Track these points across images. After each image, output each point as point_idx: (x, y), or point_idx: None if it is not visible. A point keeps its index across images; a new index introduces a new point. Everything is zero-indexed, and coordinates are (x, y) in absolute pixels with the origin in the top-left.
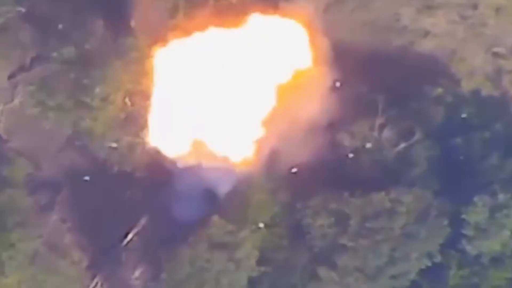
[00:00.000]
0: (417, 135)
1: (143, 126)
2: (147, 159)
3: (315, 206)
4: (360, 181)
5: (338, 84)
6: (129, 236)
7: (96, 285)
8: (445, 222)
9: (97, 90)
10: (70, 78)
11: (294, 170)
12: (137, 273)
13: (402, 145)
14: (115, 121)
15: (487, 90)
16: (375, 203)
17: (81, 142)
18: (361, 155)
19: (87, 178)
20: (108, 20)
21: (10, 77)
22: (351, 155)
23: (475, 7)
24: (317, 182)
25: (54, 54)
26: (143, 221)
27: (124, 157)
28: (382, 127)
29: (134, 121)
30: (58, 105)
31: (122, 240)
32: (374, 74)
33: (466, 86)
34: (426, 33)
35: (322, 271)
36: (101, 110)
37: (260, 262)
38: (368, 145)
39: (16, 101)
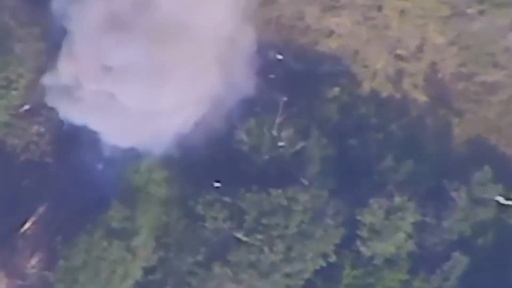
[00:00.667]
0: (313, 135)
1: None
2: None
3: (208, 197)
4: (257, 178)
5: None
6: (26, 224)
7: None
8: (341, 222)
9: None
10: None
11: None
12: (33, 262)
13: (300, 144)
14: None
15: (387, 92)
16: (271, 199)
17: None
18: (257, 153)
19: None
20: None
21: None
22: None
23: (379, 8)
24: (212, 174)
25: None
26: (41, 209)
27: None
28: (280, 125)
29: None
30: None
31: (19, 228)
32: (273, 72)
33: (367, 87)
34: (330, 33)
35: (216, 267)
36: (4, 97)
37: (156, 247)
38: (281, 143)
39: None
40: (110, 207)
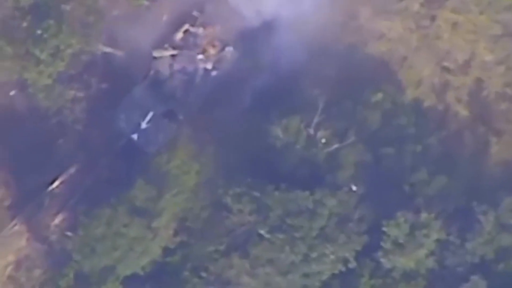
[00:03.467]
0: (351, 138)
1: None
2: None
3: (237, 188)
4: (287, 175)
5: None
6: (55, 183)
7: (14, 225)
8: (365, 230)
9: (49, 43)
10: (23, 26)
11: None
12: (57, 221)
13: (335, 146)
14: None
15: (429, 102)
16: (298, 201)
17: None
18: (291, 151)
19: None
20: None
21: None
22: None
23: (433, 18)
24: (245, 166)
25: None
26: (71, 170)
27: (64, 109)
28: (318, 125)
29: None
30: (12, 54)
31: (47, 186)
32: (320, 69)
33: (411, 95)
34: (381, 36)
35: (235, 258)
36: (50, 65)
37: (177, 230)
38: (323, 140)
39: None
40: (136, 185)
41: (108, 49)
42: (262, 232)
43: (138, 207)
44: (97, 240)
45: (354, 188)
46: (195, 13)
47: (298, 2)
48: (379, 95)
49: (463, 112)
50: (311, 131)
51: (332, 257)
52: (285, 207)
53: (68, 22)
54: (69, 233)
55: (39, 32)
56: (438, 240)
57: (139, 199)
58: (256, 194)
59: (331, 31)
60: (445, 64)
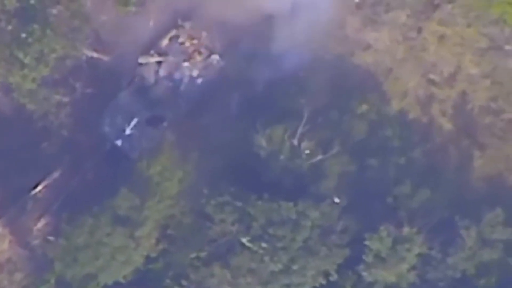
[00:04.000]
0: (335, 149)
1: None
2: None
3: (220, 198)
4: (270, 185)
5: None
6: (39, 187)
7: None
8: (347, 242)
9: (33, 47)
10: (8, 29)
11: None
12: (39, 225)
13: (319, 157)
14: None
15: (414, 114)
16: (281, 211)
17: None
18: (274, 161)
19: None
20: None
21: None
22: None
23: (419, 30)
24: (228, 175)
25: None
26: (55, 174)
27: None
28: (302, 135)
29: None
30: None
31: (31, 189)
32: (306, 78)
33: (396, 106)
34: (367, 47)
35: (216, 267)
36: (34, 70)
37: (159, 238)
38: (307, 151)
39: None
40: (119, 194)
41: (93, 54)
42: (244, 240)
43: (121, 216)
44: (79, 249)
45: (337, 200)
46: (182, 20)
47: (286, 11)
48: (364, 106)
49: (447, 125)
50: (295, 141)
51: (313, 271)
52: (268, 217)
53: (53, 26)
54: (51, 238)
55: (23, 35)
56: (420, 255)
57: (122, 208)
58: (239, 204)
59: (318, 40)
60: (431, 76)
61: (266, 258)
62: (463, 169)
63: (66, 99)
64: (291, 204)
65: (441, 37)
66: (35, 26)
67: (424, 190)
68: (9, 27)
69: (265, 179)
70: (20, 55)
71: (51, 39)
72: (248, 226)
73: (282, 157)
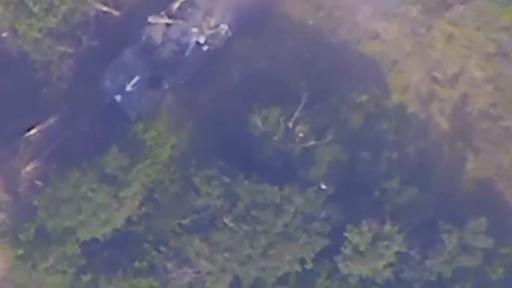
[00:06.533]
0: (329, 137)
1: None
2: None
3: (208, 170)
4: (259, 166)
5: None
6: (33, 131)
7: None
8: (327, 232)
9: None
10: None
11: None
12: (28, 168)
13: (312, 142)
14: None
15: (413, 109)
16: (266, 194)
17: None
18: (267, 142)
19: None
20: None
21: None
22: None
23: (429, 27)
24: (220, 149)
25: None
26: (51, 120)
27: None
28: (298, 119)
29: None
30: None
31: (25, 132)
32: (308, 60)
33: (395, 100)
34: (376, 36)
35: (196, 239)
36: (41, 20)
37: (144, 201)
38: (301, 134)
39: None
40: (110, 152)
41: (104, 8)
42: (226, 220)
43: (108, 175)
44: (63, 201)
45: (323, 186)
46: None
47: None
48: (364, 97)
49: (445, 124)
50: (290, 124)
51: (290, 257)
52: (253, 198)
53: None
54: (39, 182)
55: None
56: (398, 253)
57: (110, 166)
58: (226, 179)
59: (327, 24)
60: (435, 74)
61: (246, 241)
62: (454, 170)
63: (70, 51)
64: (276, 188)
65: (450, 37)
66: None
67: (412, 187)
68: None
69: (256, 158)
70: (30, 4)
71: None
72: (232, 204)
73: (275, 138)
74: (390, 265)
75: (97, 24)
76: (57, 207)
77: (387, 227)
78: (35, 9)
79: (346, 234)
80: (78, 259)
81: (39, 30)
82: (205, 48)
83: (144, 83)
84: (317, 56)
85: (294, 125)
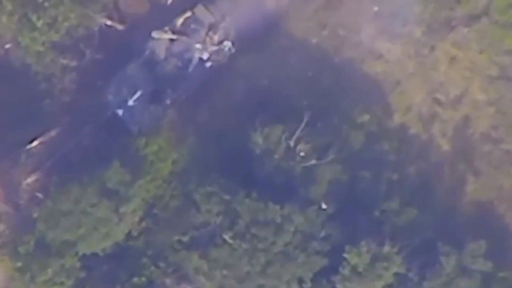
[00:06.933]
0: (330, 156)
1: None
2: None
3: (209, 187)
4: (261, 184)
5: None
6: (35, 142)
7: None
8: (326, 251)
9: (48, 12)
10: None
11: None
12: (29, 180)
13: (313, 161)
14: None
15: (414, 130)
16: (267, 212)
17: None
18: (268, 160)
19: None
20: None
21: None
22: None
23: (432, 48)
24: (221, 165)
25: None
26: (53, 132)
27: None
28: (299, 138)
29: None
30: (11, 11)
31: (27, 143)
32: (311, 78)
33: (397, 120)
34: (379, 56)
35: (194, 256)
36: (44, 34)
37: (144, 216)
38: (302, 153)
39: None
40: (111, 167)
41: (108, 22)
42: (226, 237)
43: (109, 189)
44: (63, 214)
45: (324, 206)
46: (201, 2)
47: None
48: (366, 116)
49: (446, 146)
50: (292, 143)
51: (288, 276)
52: (253, 216)
53: None
54: (39, 194)
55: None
56: (396, 274)
57: (111, 181)
58: (226, 197)
59: (330, 42)
60: (437, 95)
61: (245, 259)
62: (454, 192)
63: (73, 64)
64: (277, 206)
65: (453, 59)
66: None
67: (412, 208)
68: None
69: (256, 176)
70: (33, 18)
71: (67, 7)
72: (232, 221)
73: (276, 156)
74: (389, 286)
75: (101, 38)
76: (57, 220)
77: (386, 248)
78: (38, 24)
79: (345, 255)
80: (77, 272)
81: (42, 44)
82: (208, 64)
83: (147, 97)
84: (320, 75)
85: (296, 143)
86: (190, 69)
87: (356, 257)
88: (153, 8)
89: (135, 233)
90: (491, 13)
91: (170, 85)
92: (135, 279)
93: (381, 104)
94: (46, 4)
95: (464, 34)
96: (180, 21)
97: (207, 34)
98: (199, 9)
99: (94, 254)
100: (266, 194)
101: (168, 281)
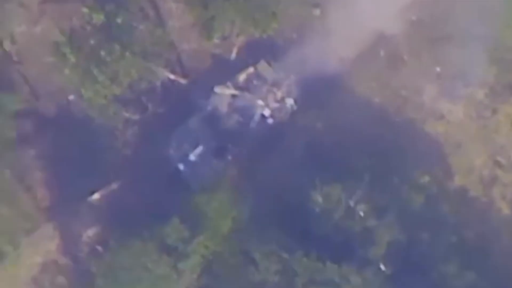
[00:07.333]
0: (389, 217)
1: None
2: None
3: (268, 246)
4: (318, 242)
5: None
6: (96, 195)
7: (47, 228)
8: None
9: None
10: (90, 43)
11: None
12: (90, 232)
13: (372, 222)
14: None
15: (475, 193)
16: (325, 272)
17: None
18: (327, 219)
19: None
20: None
21: (42, 1)
22: None
23: (495, 111)
24: (280, 223)
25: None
26: (114, 185)
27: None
28: (359, 198)
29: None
30: (74, 64)
31: (88, 196)
32: (372, 138)
33: (458, 182)
34: (441, 117)
35: None
36: (106, 88)
37: (202, 273)
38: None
39: (39, 28)
40: (171, 223)
41: (171, 76)
42: None
43: (169, 245)
44: (122, 269)
45: (382, 267)
46: (264, 59)
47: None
48: (426, 178)
49: (506, 210)
50: (351, 202)
51: None
52: (311, 275)
53: (134, 49)
54: (99, 248)
55: (102, 53)
56: None
57: (171, 237)
58: (285, 255)
59: (392, 102)
60: (498, 158)
61: None
62: None
63: (135, 117)
64: (335, 266)
65: None
66: (116, 46)
67: (471, 272)
68: (91, 41)
69: (315, 234)
70: (95, 71)
71: (129, 62)
72: (290, 280)
73: (335, 215)
74: None
75: (163, 92)
76: (116, 274)
77: None
78: (100, 78)
79: None
80: None
81: (105, 97)
82: (269, 120)
83: (208, 153)
84: (381, 135)
85: (355, 203)
86: (252, 125)
87: None
88: (216, 63)
89: None
90: None
91: (232, 140)
92: None
93: (442, 166)
94: (107, 58)
95: None
96: (242, 76)
97: (269, 90)
98: (262, 66)
99: None
100: (324, 253)
101: None
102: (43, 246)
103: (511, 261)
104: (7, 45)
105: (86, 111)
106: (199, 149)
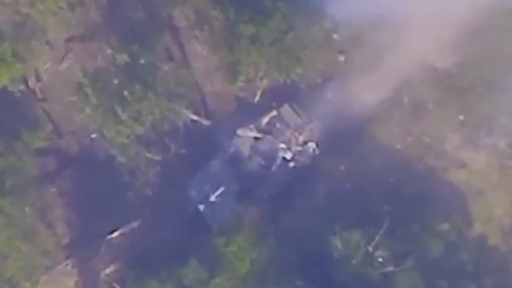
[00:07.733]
0: (408, 263)
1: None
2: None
3: None
4: None
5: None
6: (116, 233)
7: (66, 265)
8: None
9: (132, 106)
10: (113, 83)
11: None
12: (108, 270)
13: (390, 268)
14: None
15: (494, 241)
16: None
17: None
18: (346, 264)
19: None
20: None
21: (68, 40)
22: None
23: None
24: (298, 267)
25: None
26: (134, 224)
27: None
28: (378, 244)
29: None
30: (96, 104)
31: (107, 234)
32: (393, 184)
33: (477, 230)
34: (463, 165)
35: None
36: (129, 127)
37: None
38: (380, 259)
39: (64, 66)
40: (189, 264)
41: (195, 117)
42: None
43: (186, 286)
44: None
45: None
46: (287, 103)
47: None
48: (446, 225)
49: None
50: (370, 248)
51: None
52: None
53: (157, 90)
54: (117, 286)
55: (125, 93)
56: None
57: (188, 278)
58: None
59: (414, 150)
60: None
61: None
62: None
63: (157, 158)
64: None
65: None
66: (138, 86)
67: None
68: (115, 81)
69: (334, 279)
70: (118, 111)
71: (152, 102)
72: None
73: (354, 261)
74: None
75: (186, 133)
76: None
77: None
78: (123, 117)
79: None
80: None
81: (127, 136)
82: (291, 164)
83: (229, 195)
84: (402, 181)
85: (374, 249)
86: (274, 168)
87: None
88: (239, 106)
89: None
90: None
91: (253, 183)
92: None
93: (462, 213)
94: (130, 98)
95: None
96: (265, 120)
97: (292, 134)
98: (285, 109)
99: None
100: None
101: None
102: (61, 284)
103: None
104: (32, 82)
105: (108, 150)
106: (220, 190)
